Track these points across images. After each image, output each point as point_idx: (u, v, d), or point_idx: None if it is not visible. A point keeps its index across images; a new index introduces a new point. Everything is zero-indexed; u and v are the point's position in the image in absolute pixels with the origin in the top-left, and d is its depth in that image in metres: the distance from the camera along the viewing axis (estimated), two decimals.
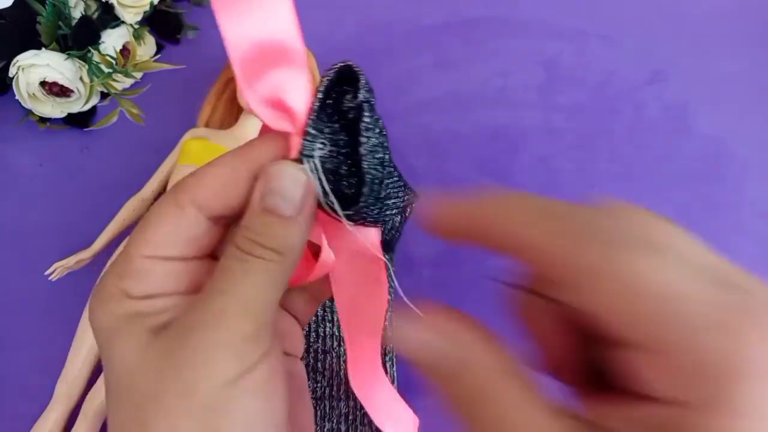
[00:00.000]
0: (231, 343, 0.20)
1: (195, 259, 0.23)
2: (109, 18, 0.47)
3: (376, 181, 0.23)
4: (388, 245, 0.41)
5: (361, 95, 0.23)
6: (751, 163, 0.47)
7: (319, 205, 0.23)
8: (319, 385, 0.38)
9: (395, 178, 0.27)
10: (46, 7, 0.44)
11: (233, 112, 0.48)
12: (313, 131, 0.23)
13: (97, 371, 0.40)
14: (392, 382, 0.37)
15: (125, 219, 0.44)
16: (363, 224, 0.25)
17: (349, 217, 0.23)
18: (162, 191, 0.45)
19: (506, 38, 0.51)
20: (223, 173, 0.23)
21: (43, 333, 0.42)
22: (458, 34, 0.52)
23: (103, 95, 0.48)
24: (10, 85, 0.45)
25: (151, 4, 0.48)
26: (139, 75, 0.49)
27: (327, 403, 0.38)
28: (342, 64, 0.23)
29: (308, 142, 0.22)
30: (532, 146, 0.47)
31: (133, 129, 0.47)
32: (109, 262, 0.40)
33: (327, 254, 0.25)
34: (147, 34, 0.50)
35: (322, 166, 0.23)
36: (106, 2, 0.47)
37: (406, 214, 0.38)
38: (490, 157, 0.47)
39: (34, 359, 0.40)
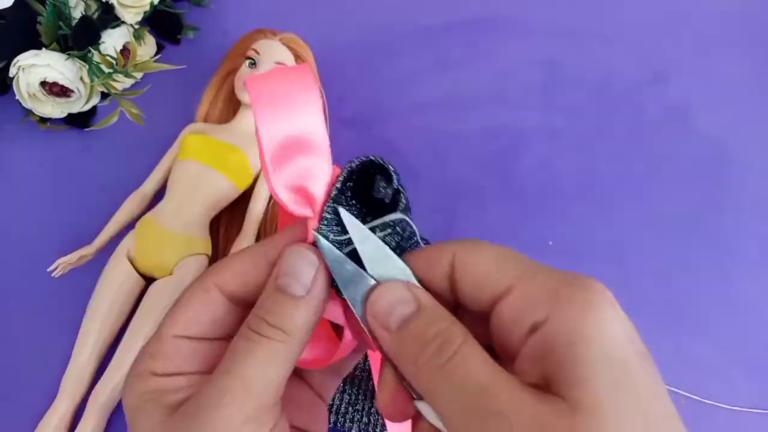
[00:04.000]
0: (231, 425, 0.21)
1: (220, 340, 0.25)
2: (109, 18, 0.47)
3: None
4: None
5: (394, 183, 0.24)
6: (751, 164, 0.47)
7: (338, 291, 0.24)
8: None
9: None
10: (47, 7, 0.44)
11: (231, 106, 0.48)
12: (329, 216, 0.24)
13: (101, 366, 0.40)
14: None
15: (127, 214, 0.44)
16: None
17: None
18: (162, 186, 0.45)
19: (506, 38, 0.51)
20: (244, 258, 0.25)
21: (47, 330, 0.42)
22: (458, 35, 0.52)
23: (104, 95, 0.48)
24: (11, 85, 0.45)
25: (151, 4, 0.48)
26: (139, 75, 0.49)
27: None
28: (365, 158, 0.24)
29: (324, 226, 0.23)
30: (532, 146, 0.47)
31: (133, 129, 0.47)
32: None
33: (349, 335, 0.25)
34: (147, 34, 0.50)
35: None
36: (106, 2, 0.47)
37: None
38: (490, 157, 0.47)
39: (39, 356, 0.40)
